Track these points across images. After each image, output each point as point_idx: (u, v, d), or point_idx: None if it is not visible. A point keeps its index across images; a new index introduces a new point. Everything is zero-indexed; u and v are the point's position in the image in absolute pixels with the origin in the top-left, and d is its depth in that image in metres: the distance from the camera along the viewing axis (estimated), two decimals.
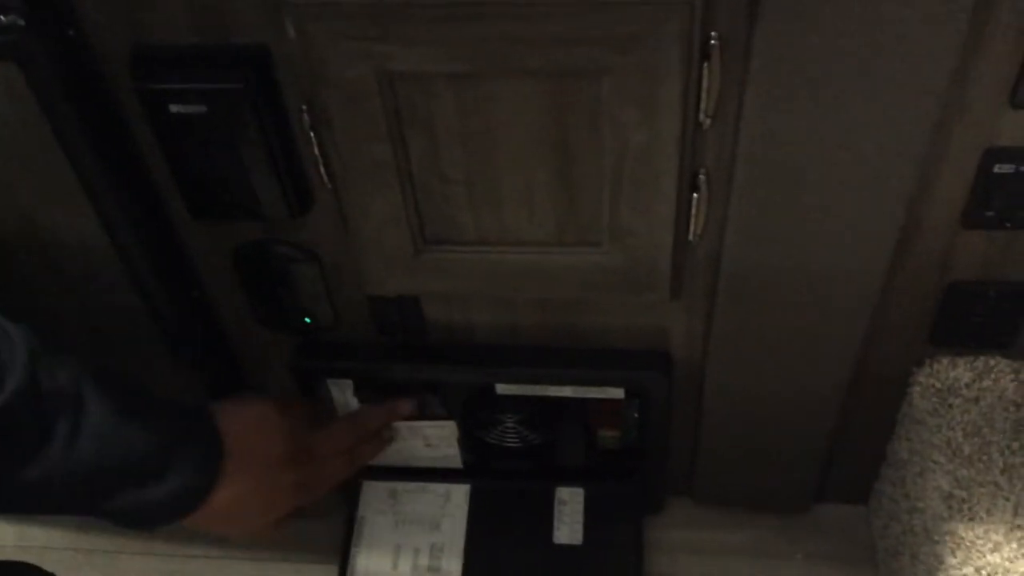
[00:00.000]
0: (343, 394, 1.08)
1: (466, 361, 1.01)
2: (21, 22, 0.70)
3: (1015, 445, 0.93)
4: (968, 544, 0.89)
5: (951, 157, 0.79)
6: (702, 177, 0.80)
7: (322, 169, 0.81)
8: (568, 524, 1.15)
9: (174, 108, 0.75)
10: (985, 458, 0.92)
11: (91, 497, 0.77)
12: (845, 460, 1.13)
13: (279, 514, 0.92)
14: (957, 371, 0.96)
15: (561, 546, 1.14)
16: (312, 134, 0.78)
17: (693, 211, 0.82)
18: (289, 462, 0.91)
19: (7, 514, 0.76)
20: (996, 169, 0.79)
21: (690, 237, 0.85)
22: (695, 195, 0.81)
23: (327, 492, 0.99)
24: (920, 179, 0.78)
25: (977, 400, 0.95)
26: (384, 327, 0.99)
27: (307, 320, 0.98)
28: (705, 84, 0.73)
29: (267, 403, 0.92)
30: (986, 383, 0.96)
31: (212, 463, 0.82)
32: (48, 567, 0.98)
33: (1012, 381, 0.96)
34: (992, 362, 0.96)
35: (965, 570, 0.88)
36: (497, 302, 0.97)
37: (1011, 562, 0.87)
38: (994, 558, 0.88)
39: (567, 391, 1.05)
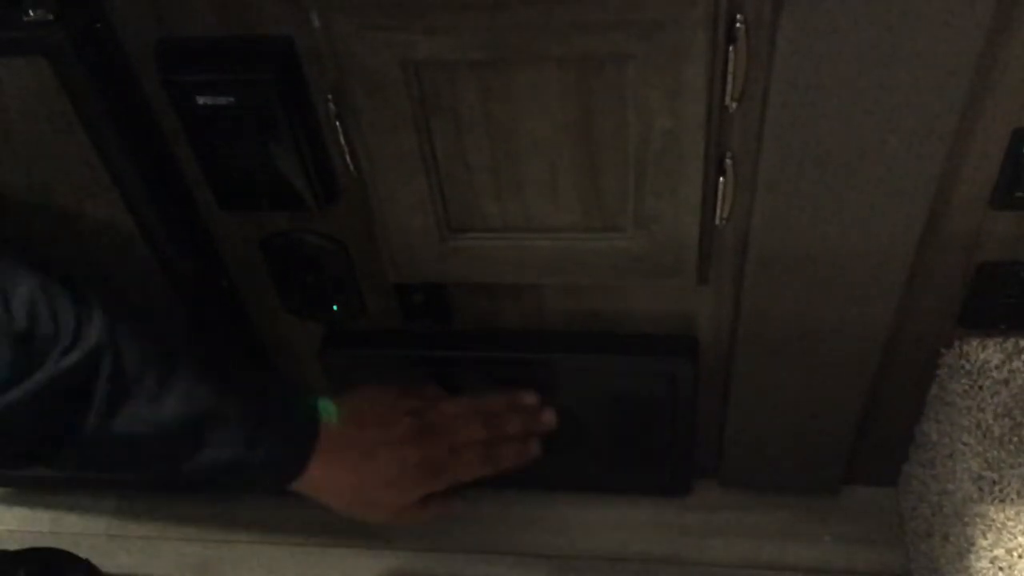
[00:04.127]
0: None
1: (493, 347, 1.02)
2: (50, 16, 0.70)
3: None
4: (999, 526, 0.88)
5: (980, 137, 0.78)
6: (728, 161, 0.80)
7: (348, 158, 0.81)
8: None
9: (201, 100, 0.75)
10: (1016, 439, 0.91)
11: (178, 452, 0.79)
12: (874, 442, 1.12)
13: (409, 496, 0.89)
14: (987, 352, 0.95)
15: None
16: (338, 124, 0.79)
17: (720, 195, 0.82)
18: (411, 439, 0.88)
19: (98, 470, 0.81)
20: None
21: (717, 221, 0.84)
22: (721, 179, 0.81)
23: (464, 481, 0.94)
24: (948, 159, 0.78)
25: (1007, 382, 0.94)
26: (411, 314, 1.00)
27: (335, 308, 0.98)
28: (731, 68, 0.73)
29: (385, 387, 0.92)
30: (1016, 364, 0.95)
31: (304, 438, 0.83)
32: (83, 554, 1.00)
33: None
34: (1023, 343, 0.96)
35: (996, 551, 0.88)
36: (523, 288, 0.98)
37: None
38: None
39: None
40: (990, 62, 0.72)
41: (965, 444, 0.93)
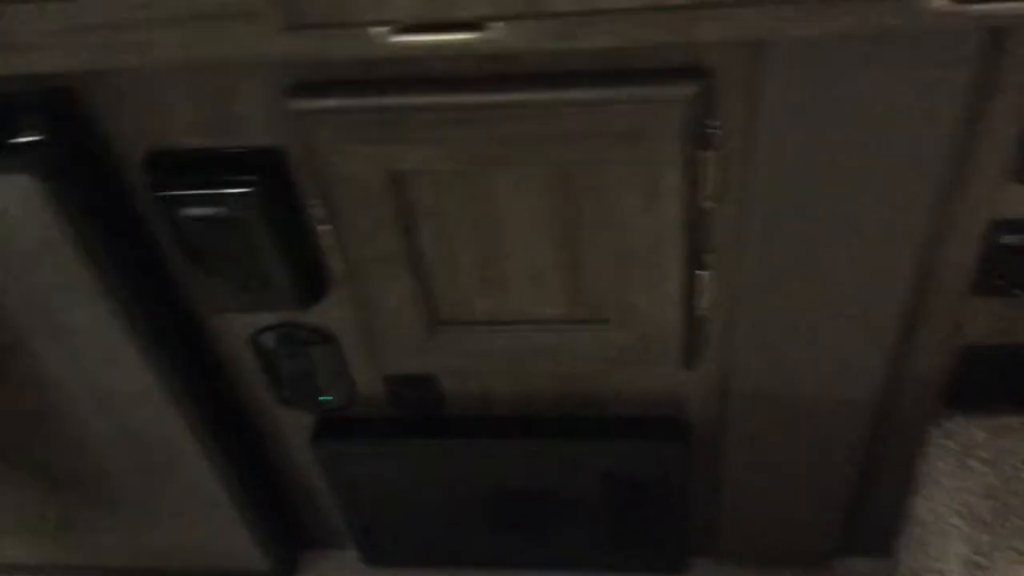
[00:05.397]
0: None
1: (483, 433, 1.02)
2: (39, 137, 0.72)
3: None
4: None
5: (958, 229, 0.79)
6: (709, 256, 0.81)
7: (335, 261, 0.83)
8: None
9: (189, 211, 0.77)
10: (1007, 524, 0.91)
11: None
12: (869, 514, 1.12)
13: None
14: (973, 431, 0.96)
15: None
16: (324, 228, 0.80)
17: (702, 287, 0.83)
18: None
19: None
20: (1003, 240, 0.79)
21: (699, 312, 0.85)
22: (703, 272, 0.82)
23: None
24: (923, 254, 0.79)
25: (994, 462, 0.94)
26: (401, 403, 1.00)
27: (324, 399, 0.99)
28: (706, 171, 0.74)
29: None
30: (1004, 443, 0.95)
31: None
32: None
33: None
34: (1010, 422, 0.96)
35: None
36: (512, 374, 0.98)
37: None
38: None
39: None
40: (963, 160, 0.73)
41: (954, 526, 0.93)
